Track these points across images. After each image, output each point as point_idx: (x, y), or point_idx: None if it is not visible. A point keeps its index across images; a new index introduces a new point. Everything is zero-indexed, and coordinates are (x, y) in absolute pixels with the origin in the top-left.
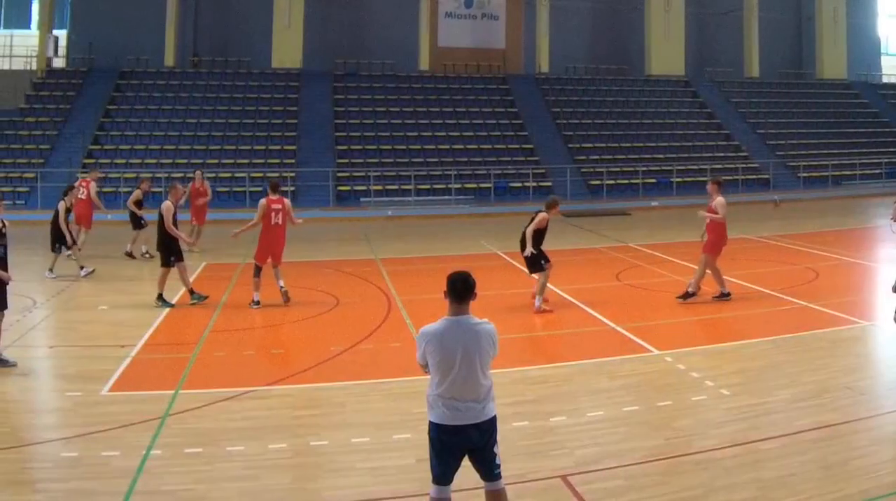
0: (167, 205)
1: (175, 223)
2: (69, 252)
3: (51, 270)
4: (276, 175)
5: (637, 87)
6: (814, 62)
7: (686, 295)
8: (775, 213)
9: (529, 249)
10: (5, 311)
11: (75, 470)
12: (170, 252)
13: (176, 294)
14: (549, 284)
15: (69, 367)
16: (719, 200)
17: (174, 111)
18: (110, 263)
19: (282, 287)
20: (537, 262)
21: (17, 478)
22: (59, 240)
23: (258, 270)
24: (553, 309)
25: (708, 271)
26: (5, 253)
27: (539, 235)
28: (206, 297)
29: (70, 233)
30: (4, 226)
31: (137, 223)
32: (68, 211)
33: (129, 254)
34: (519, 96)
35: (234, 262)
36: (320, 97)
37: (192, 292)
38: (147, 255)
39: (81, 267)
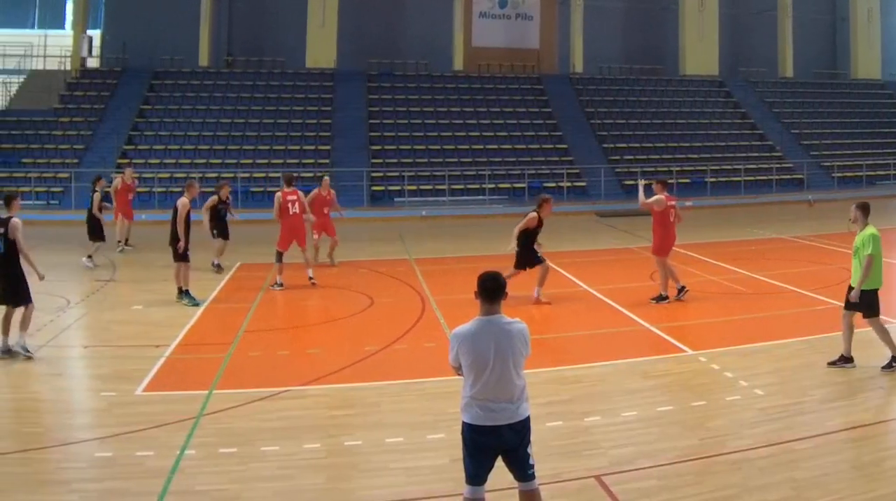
0: (183, 201)
1: (188, 222)
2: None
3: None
4: (311, 175)
5: (671, 87)
6: (848, 62)
7: (659, 298)
8: (809, 213)
9: (513, 246)
10: (31, 305)
11: (109, 470)
12: (185, 246)
13: (210, 292)
14: (582, 283)
15: (103, 367)
16: (657, 198)
17: (208, 111)
18: (144, 264)
19: (311, 277)
20: (521, 260)
21: (52, 478)
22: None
23: (279, 256)
24: (551, 302)
25: (672, 265)
26: (5, 250)
27: (526, 234)
28: (198, 304)
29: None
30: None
31: (220, 232)
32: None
33: (218, 267)
34: (553, 96)
35: (268, 262)
36: (354, 97)
37: (185, 292)
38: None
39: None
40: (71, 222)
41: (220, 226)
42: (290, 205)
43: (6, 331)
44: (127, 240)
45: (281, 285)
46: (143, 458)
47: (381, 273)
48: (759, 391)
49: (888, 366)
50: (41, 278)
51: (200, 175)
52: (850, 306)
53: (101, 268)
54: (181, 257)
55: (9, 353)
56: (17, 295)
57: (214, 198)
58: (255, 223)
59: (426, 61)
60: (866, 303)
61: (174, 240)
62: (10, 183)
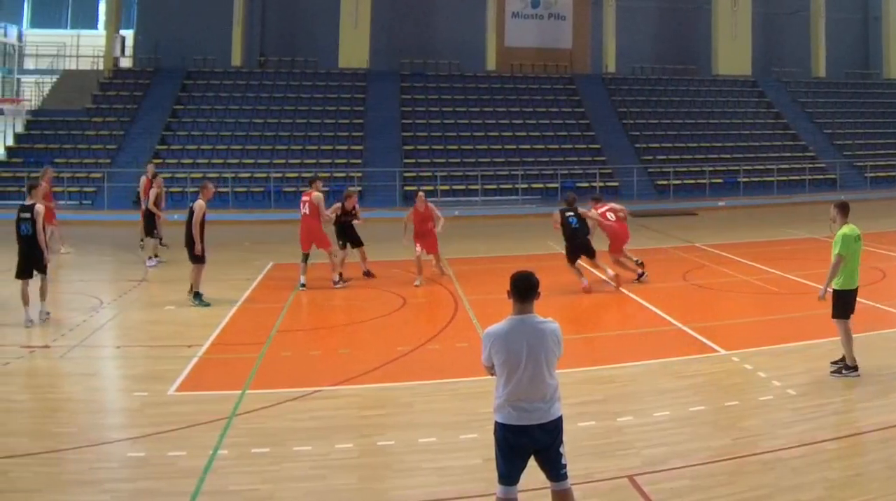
0: (200, 203)
1: (203, 224)
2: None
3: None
4: (343, 175)
5: (704, 87)
6: (881, 62)
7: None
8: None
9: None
10: (47, 278)
11: (142, 470)
12: (200, 248)
13: (243, 292)
14: (613, 283)
15: (136, 367)
16: (592, 213)
17: (241, 111)
18: (176, 264)
19: (334, 281)
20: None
21: (85, 478)
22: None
23: (303, 256)
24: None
25: (624, 260)
26: (32, 232)
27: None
28: (208, 305)
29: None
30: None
31: (349, 241)
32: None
33: (368, 273)
34: (586, 96)
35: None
36: (387, 97)
37: (197, 293)
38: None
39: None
40: (104, 222)
41: (345, 235)
42: (301, 204)
43: (27, 302)
44: (160, 239)
45: (303, 286)
46: (176, 458)
47: (414, 273)
48: (792, 391)
49: (837, 372)
50: (56, 251)
51: (233, 175)
52: (835, 314)
53: (134, 268)
54: (198, 259)
55: (32, 323)
56: (39, 268)
57: (338, 205)
58: (287, 223)
59: (458, 61)
60: (840, 304)
61: (189, 242)
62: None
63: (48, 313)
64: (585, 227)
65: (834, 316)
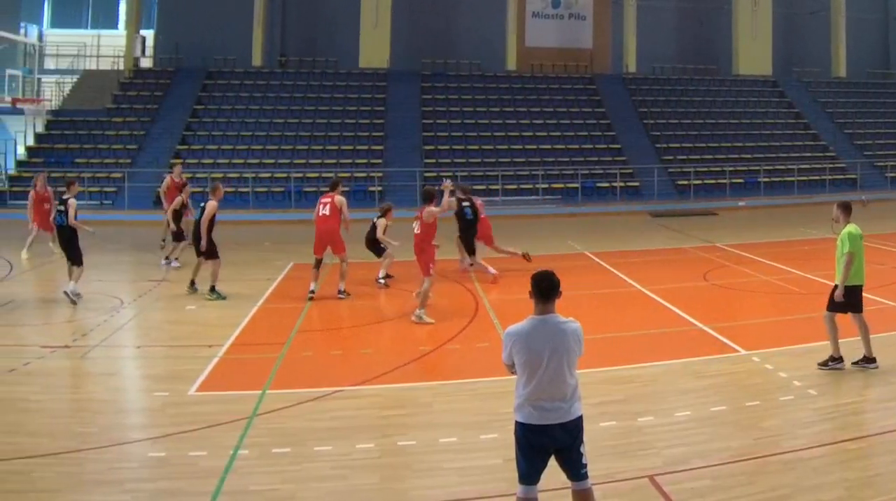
0: (212, 204)
1: (213, 223)
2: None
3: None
4: (364, 175)
5: (724, 87)
6: None
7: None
8: (862, 213)
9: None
10: (82, 267)
11: (163, 470)
12: (206, 245)
13: (263, 293)
14: (636, 283)
15: (157, 367)
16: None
17: (261, 111)
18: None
19: (339, 290)
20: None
21: (106, 478)
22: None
23: (315, 262)
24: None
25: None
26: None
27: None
28: (224, 297)
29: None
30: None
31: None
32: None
33: (386, 279)
34: (606, 96)
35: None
36: (408, 97)
37: (212, 288)
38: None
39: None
40: (124, 222)
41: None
42: (320, 206)
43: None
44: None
45: (313, 292)
46: (197, 458)
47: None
48: (813, 391)
49: (858, 363)
50: (93, 233)
51: (254, 175)
52: (833, 307)
53: (154, 268)
54: (210, 254)
55: (79, 297)
56: (74, 256)
57: (383, 221)
58: (308, 223)
59: (479, 61)
60: (851, 301)
61: (196, 238)
62: (63, 183)
63: (78, 294)
64: (476, 219)
65: (830, 309)
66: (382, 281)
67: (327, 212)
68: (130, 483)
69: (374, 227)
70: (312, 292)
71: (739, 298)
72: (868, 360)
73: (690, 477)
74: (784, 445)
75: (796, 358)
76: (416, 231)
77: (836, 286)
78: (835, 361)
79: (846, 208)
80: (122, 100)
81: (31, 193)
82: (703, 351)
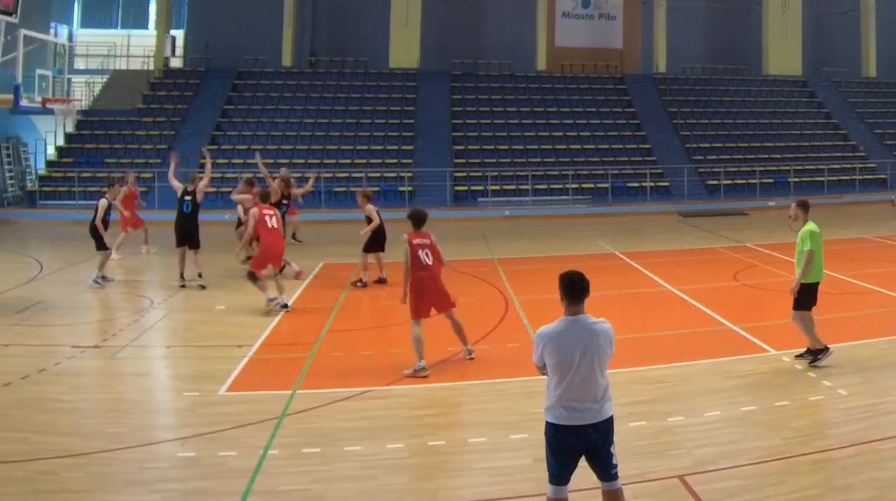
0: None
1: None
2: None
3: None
4: (394, 175)
5: (754, 87)
6: None
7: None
8: (893, 213)
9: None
10: (108, 251)
11: (192, 470)
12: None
13: (294, 292)
14: (665, 283)
15: (186, 367)
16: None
17: (291, 111)
18: (225, 265)
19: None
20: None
21: (135, 478)
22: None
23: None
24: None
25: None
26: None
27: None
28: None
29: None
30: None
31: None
32: None
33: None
34: (636, 96)
35: (351, 262)
36: (438, 97)
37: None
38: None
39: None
40: (154, 222)
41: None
42: (267, 218)
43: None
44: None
45: (271, 298)
46: (226, 458)
47: (464, 273)
48: (843, 391)
49: (814, 361)
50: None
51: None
52: (799, 306)
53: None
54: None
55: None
56: (100, 244)
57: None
58: (338, 223)
59: (509, 61)
60: (805, 296)
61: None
62: (93, 183)
63: (97, 282)
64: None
65: (797, 309)
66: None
67: (275, 225)
68: (160, 483)
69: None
70: (274, 299)
71: (769, 298)
72: (819, 351)
73: (720, 477)
74: (813, 445)
75: (826, 358)
76: (429, 261)
77: (803, 284)
78: (824, 353)
79: (804, 206)
80: (151, 100)
81: (123, 190)
82: (732, 351)
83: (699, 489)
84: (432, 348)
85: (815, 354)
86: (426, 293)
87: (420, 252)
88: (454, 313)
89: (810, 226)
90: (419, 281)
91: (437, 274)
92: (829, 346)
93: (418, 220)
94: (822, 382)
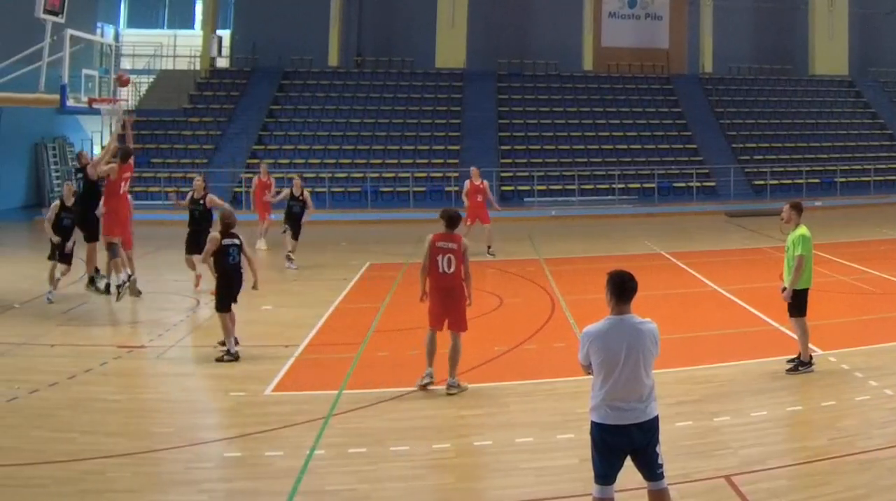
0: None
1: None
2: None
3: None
4: (440, 175)
5: (801, 87)
6: None
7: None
8: None
9: None
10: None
11: (239, 470)
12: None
13: (340, 293)
14: (712, 283)
15: (233, 367)
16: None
17: (338, 111)
18: (273, 264)
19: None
20: None
21: (182, 478)
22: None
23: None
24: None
25: None
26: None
27: None
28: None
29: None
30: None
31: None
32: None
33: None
34: (682, 96)
35: (397, 262)
36: (484, 97)
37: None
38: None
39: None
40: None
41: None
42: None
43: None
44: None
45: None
46: (273, 458)
47: (511, 273)
48: (889, 391)
49: (794, 369)
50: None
51: (330, 175)
52: (794, 312)
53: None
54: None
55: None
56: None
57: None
58: (384, 223)
59: (555, 61)
60: (796, 303)
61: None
62: (140, 182)
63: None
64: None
65: (793, 316)
66: None
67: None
68: (206, 483)
69: None
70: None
71: (815, 298)
72: (803, 363)
73: (766, 477)
74: (860, 445)
75: (872, 358)
76: (449, 269)
77: (795, 291)
78: (805, 365)
79: (798, 208)
80: (198, 100)
81: (255, 180)
82: (779, 351)
83: (745, 489)
84: (477, 348)
85: (800, 364)
86: (435, 303)
87: (440, 256)
88: (459, 337)
89: (803, 230)
90: (431, 288)
91: (452, 286)
92: (813, 364)
93: (449, 220)
94: (868, 382)
